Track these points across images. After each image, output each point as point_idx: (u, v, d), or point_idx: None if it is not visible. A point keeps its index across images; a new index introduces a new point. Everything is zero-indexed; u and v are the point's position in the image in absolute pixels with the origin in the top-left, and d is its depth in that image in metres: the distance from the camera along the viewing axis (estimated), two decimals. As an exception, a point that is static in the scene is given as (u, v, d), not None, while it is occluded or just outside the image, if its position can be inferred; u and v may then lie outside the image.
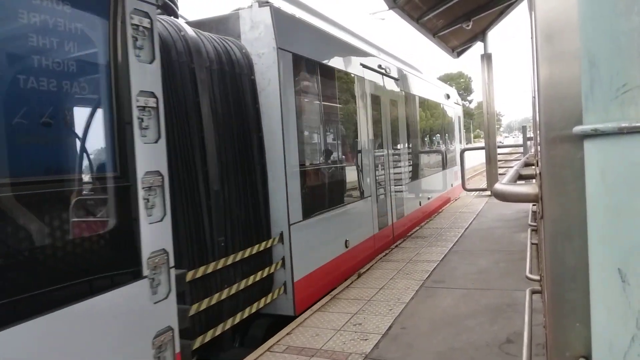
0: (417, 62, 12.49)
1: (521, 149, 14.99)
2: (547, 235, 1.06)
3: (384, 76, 8.32)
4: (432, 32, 11.83)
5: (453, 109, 14.77)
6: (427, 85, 11.94)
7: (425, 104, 11.45)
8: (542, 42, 1.19)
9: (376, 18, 13.98)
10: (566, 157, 0.98)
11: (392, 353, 4.05)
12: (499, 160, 13.94)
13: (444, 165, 12.86)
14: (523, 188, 1.31)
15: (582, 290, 1.01)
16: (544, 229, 1.12)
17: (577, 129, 0.83)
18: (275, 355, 4.13)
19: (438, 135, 12.90)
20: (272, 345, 4.32)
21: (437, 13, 10.61)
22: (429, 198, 10.97)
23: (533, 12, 1.70)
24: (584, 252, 0.94)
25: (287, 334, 4.56)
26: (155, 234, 2.69)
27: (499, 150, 14.63)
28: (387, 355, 4.03)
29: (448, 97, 13.88)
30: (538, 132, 1.43)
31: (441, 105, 13.17)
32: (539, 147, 1.71)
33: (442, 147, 13.17)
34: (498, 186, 1.36)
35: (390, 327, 4.56)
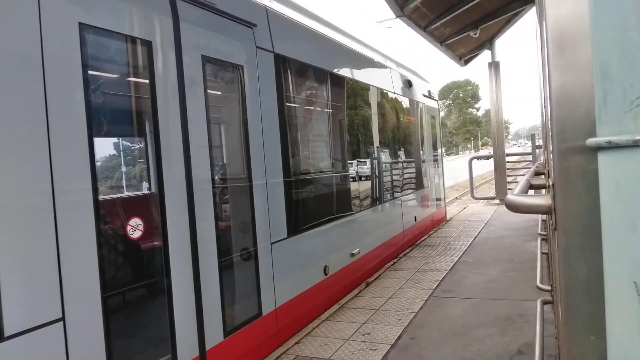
0: (423, 69, 11.67)
1: (529, 157, 14.90)
2: (560, 247, 1.05)
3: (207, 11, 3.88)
4: (440, 40, 11.85)
5: (422, 105, 10.20)
6: (355, 55, 7.17)
7: (347, 87, 6.62)
8: (554, 53, 1.19)
9: (383, 26, 14.03)
10: (579, 169, 0.97)
11: (402, 363, 4.02)
12: (507, 169, 13.85)
13: (398, 188, 8.52)
14: (535, 199, 1.30)
15: (596, 303, 1.00)
16: (557, 240, 1.11)
17: (591, 141, 0.83)
18: (284, 365, 4.11)
19: (383, 143, 7.86)
20: (281, 355, 4.30)
21: (444, 21, 10.63)
22: (342, 260, 6.10)
23: (544, 22, 1.70)
24: (598, 265, 0.93)
25: (296, 343, 4.54)
26: None
27: (508, 158, 14.38)
28: (397, 365, 3.99)
29: (410, 85, 9.34)
30: (550, 142, 1.42)
31: (391, 96, 8.47)
32: (550, 156, 1.70)
33: (401, 160, 8.78)
34: (510, 197, 1.35)
35: (399, 337, 4.52)
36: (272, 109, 4.67)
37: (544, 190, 2.74)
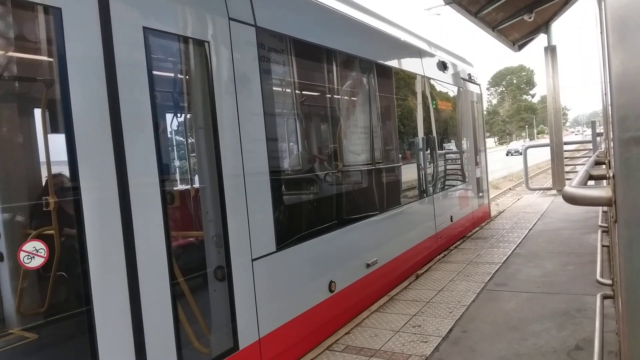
0: (473, 56, 11.23)
1: (589, 145, 14.18)
2: (621, 240, 1.03)
3: None
4: (491, 25, 11.45)
5: (460, 89, 9.16)
6: (369, 31, 6.07)
7: (358, 68, 5.61)
8: (614, 39, 1.15)
9: (431, 14, 13.71)
10: (642, 160, 0.94)
11: (454, 356, 3.98)
12: (565, 158, 13.22)
13: (430, 184, 7.42)
14: (595, 191, 1.26)
15: (660, 298, 0.97)
16: (617, 233, 1.08)
17: (654, 131, 0.81)
18: (335, 354, 4.18)
19: (408, 132, 7.15)
20: (332, 344, 4.37)
21: (496, 6, 10.25)
22: (354, 273, 5.20)
23: (603, 4, 1.63)
24: (662, 258, 0.90)
25: (346, 333, 4.60)
26: None
27: (565, 147, 13.62)
28: (448, 358, 3.96)
29: (444, 67, 8.37)
30: (611, 132, 1.38)
31: (419, 79, 7.36)
32: (611, 144, 1.63)
33: (434, 151, 7.64)
34: (568, 189, 1.31)
35: (450, 330, 4.48)
36: (252, 94, 3.81)
37: (604, 182, 2.63)
